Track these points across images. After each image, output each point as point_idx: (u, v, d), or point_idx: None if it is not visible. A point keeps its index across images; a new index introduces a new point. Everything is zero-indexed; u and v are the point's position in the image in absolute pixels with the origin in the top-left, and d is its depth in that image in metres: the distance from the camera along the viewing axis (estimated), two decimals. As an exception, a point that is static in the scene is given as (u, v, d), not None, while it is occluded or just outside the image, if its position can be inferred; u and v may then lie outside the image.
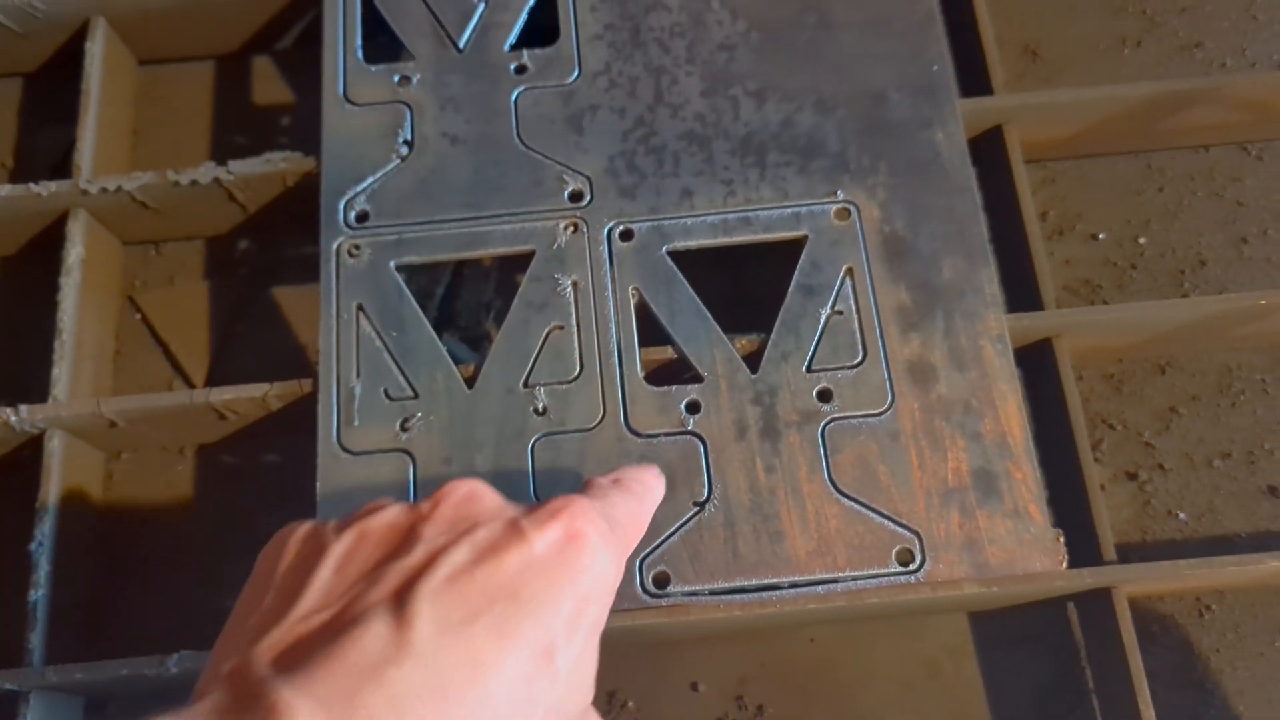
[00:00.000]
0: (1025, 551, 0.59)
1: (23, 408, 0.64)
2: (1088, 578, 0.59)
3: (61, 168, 0.79)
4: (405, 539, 0.40)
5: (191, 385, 0.73)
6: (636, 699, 0.64)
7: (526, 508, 0.42)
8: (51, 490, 0.64)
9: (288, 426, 0.68)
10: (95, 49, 0.75)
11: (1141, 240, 0.75)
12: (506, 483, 0.59)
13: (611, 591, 0.42)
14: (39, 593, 0.62)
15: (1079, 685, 0.65)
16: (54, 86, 0.82)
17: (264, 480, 0.70)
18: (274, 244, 0.77)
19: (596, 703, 0.44)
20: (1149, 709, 0.59)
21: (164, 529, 0.69)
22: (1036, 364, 0.68)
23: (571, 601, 0.39)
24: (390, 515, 0.41)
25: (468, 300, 0.73)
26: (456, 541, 0.39)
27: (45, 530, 0.63)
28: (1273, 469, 0.69)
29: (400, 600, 0.36)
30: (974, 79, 0.74)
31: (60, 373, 0.66)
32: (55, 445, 0.65)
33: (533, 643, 0.37)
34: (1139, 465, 0.69)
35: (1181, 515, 0.68)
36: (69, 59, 0.79)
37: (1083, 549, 0.62)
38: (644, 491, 0.50)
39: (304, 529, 0.42)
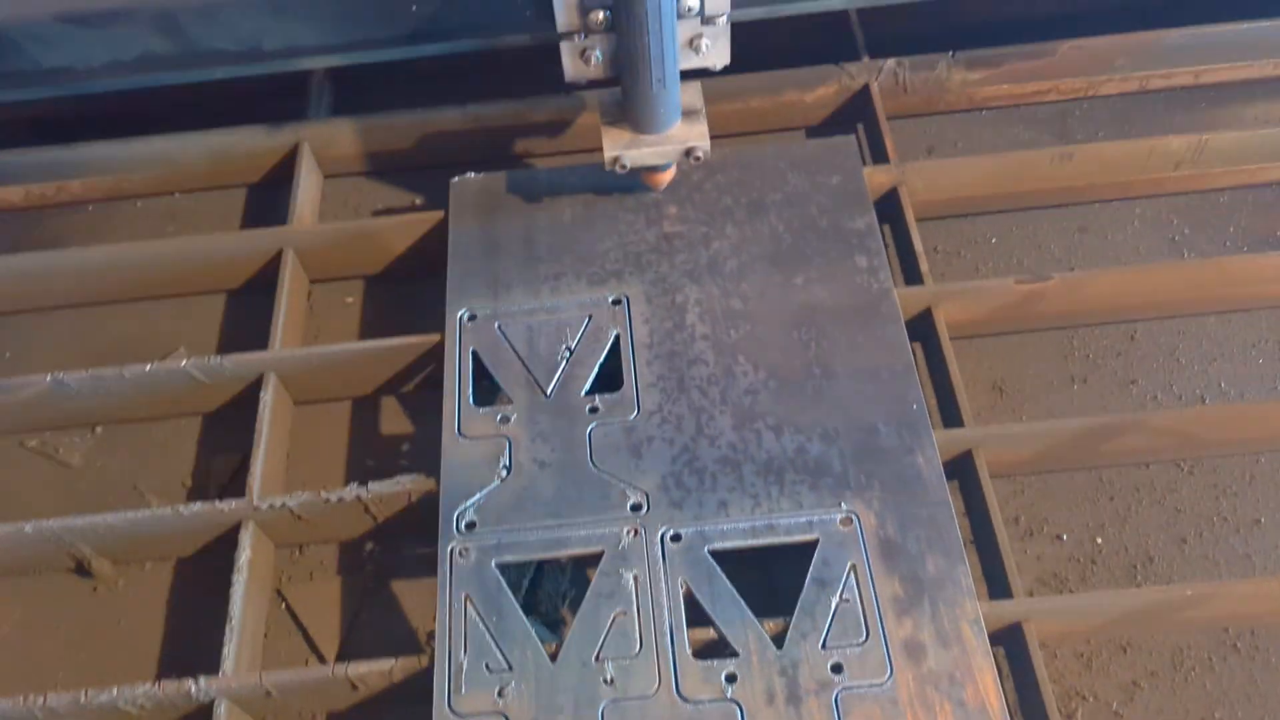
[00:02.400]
0: (1005, 799, 0.72)
1: (201, 679, 0.81)
2: (1060, 823, 0.72)
3: (229, 488, 0.99)
4: None
5: (324, 662, 0.89)
6: None
7: None
8: (217, 749, 0.80)
9: (404, 697, 0.84)
10: (266, 397, 0.98)
11: (1099, 540, 0.92)
12: (582, 740, 0.74)
13: None
14: (202, 835, 0.76)
15: None
16: (225, 424, 1.04)
17: (380, 744, 0.86)
18: (394, 548, 0.96)
19: None
20: None
21: (297, 785, 0.84)
22: (1011, 642, 0.83)
23: None
24: None
25: (548, 590, 0.91)
26: None
27: (211, 782, 0.78)
28: (1224, 735, 0.82)
29: None
30: (950, 413, 0.94)
31: (229, 651, 0.84)
32: (221, 712, 0.81)
33: None
34: (1110, 732, 0.83)
35: (1149, 776, 0.80)
36: (239, 402, 1.02)
37: (1058, 800, 0.75)
38: None
39: None
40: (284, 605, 0.94)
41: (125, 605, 0.94)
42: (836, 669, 0.78)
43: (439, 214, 1.08)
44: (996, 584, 0.86)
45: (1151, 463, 0.95)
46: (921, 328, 1.00)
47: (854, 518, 0.84)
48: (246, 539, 0.90)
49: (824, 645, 0.79)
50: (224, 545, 0.92)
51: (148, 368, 0.99)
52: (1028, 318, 1.01)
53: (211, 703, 0.82)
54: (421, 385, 1.04)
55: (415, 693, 0.82)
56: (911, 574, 0.82)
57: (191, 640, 0.92)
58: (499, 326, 0.98)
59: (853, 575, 0.82)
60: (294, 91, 1.24)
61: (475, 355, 0.96)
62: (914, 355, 0.94)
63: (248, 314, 1.12)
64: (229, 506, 0.90)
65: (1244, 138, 1.06)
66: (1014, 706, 0.82)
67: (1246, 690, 0.83)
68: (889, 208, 1.08)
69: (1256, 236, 1.07)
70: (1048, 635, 0.84)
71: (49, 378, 0.98)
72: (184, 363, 0.98)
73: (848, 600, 0.81)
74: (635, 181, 1.04)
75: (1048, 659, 0.85)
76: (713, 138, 1.03)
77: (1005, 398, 1.00)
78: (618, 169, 0.97)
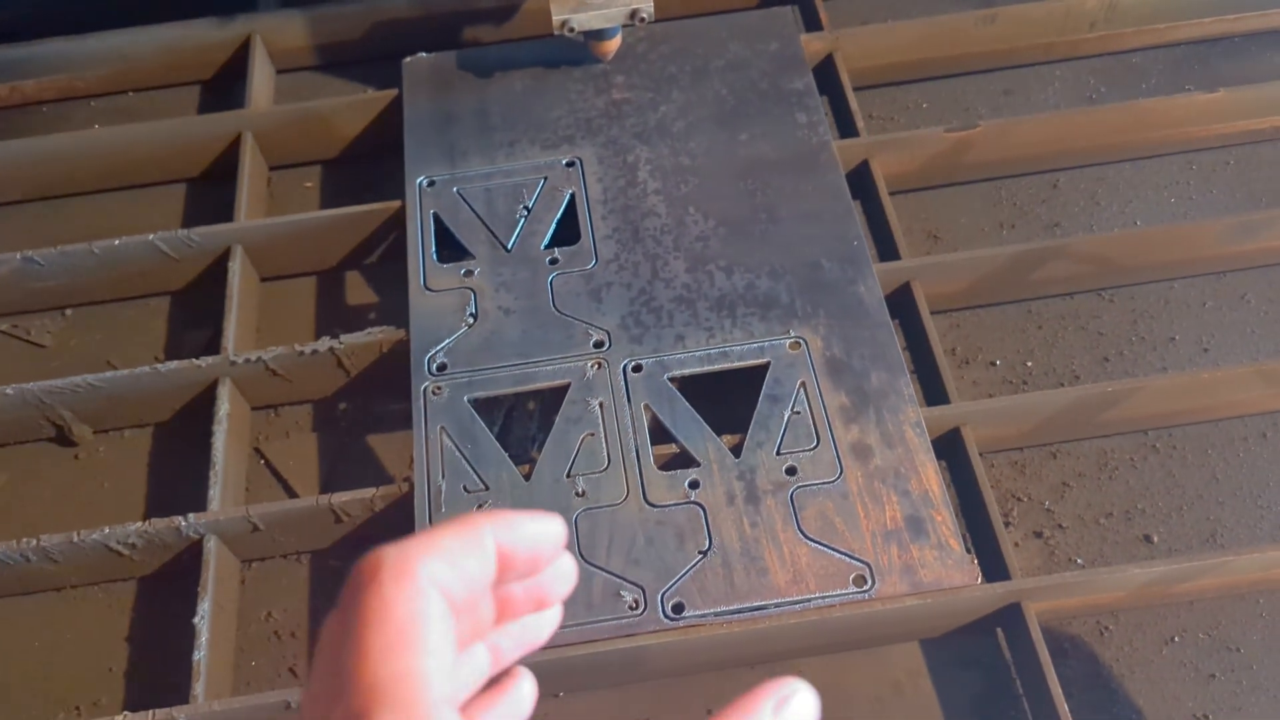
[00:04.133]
0: (949, 571, 0.79)
1: (190, 515, 0.85)
2: (999, 589, 0.79)
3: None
4: None
5: (306, 508, 0.93)
6: (664, 723, 0.82)
7: None
8: (209, 580, 0.83)
9: (385, 532, 0.88)
10: (235, 266, 1.01)
11: (1029, 364, 0.99)
12: (558, 543, 0.79)
13: None
14: (200, 654, 0.80)
15: (1012, 693, 0.82)
16: (193, 301, 1.07)
17: (364, 576, 0.90)
18: (367, 404, 1.00)
19: None
20: (1063, 704, 0.76)
21: (290, 614, 0.88)
22: (952, 453, 0.90)
23: None
24: None
25: (517, 435, 0.96)
26: None
27: (205, 607, 0.82)
28: (1146, 523, 0.89)
29: None
30: (890, 256, 1.00)
31: (214, 494, 0.88)
32: (211, 546, 0.85)
33: None
34: (1043, 526, 0.90)
35: (1079, 561, 0.88)
36: (206, 280, 1.05)
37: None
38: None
39: None
40: (263, 461, 0.98)
41: (108, 468, 0.98)
42: (791, 471, 0.84)
43: (393, 92, 1.11)
44: (937, 404, 0.92)
45: (1076, 293, 1.02)
46: (860, 182, 1.05)
47: (802, 342, 0.90)
48: (224, 394, 0.93)
49: (778, 452, 0.85)
50: (201, 408, 0.96)
51: (116, 242, 1.01)
52: (958, 168, 1.07)
53: (201, 539, 0.86)
54: (384, 257, 1.08)
55: (396, 525, 0.87)
56: (857, 387, 0.88)
57: (175, 496, 0.95)
58: (458, 190, 1.02)
59: (803, 391, 0.88)
60: (242, -11, 1.26)
61: (436, 217, 1.00)
62: (854, 208, 1.00)
63: (209, 202, 1.14)
64: (205, 363, 0.94)
65: (1152, -2, 1.13)
66: (957, 510, 0.89)
67: (1165, 484, 0.91)
68: (826, 78, 1.13)
69: (1166, 93, 1.14)
70: (984, 440, 0.90)
71: (19, 255, 1.01)
72: (151, 236, 1.01)
73: (799, 412, 0.87)
74: (584, 54, 1.08)
75: (986, 468, 0.91)
76: (660, 19, 1.08)
77: (940, 243, 1.07)
78: (566, 32, 1.01)
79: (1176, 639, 0.84)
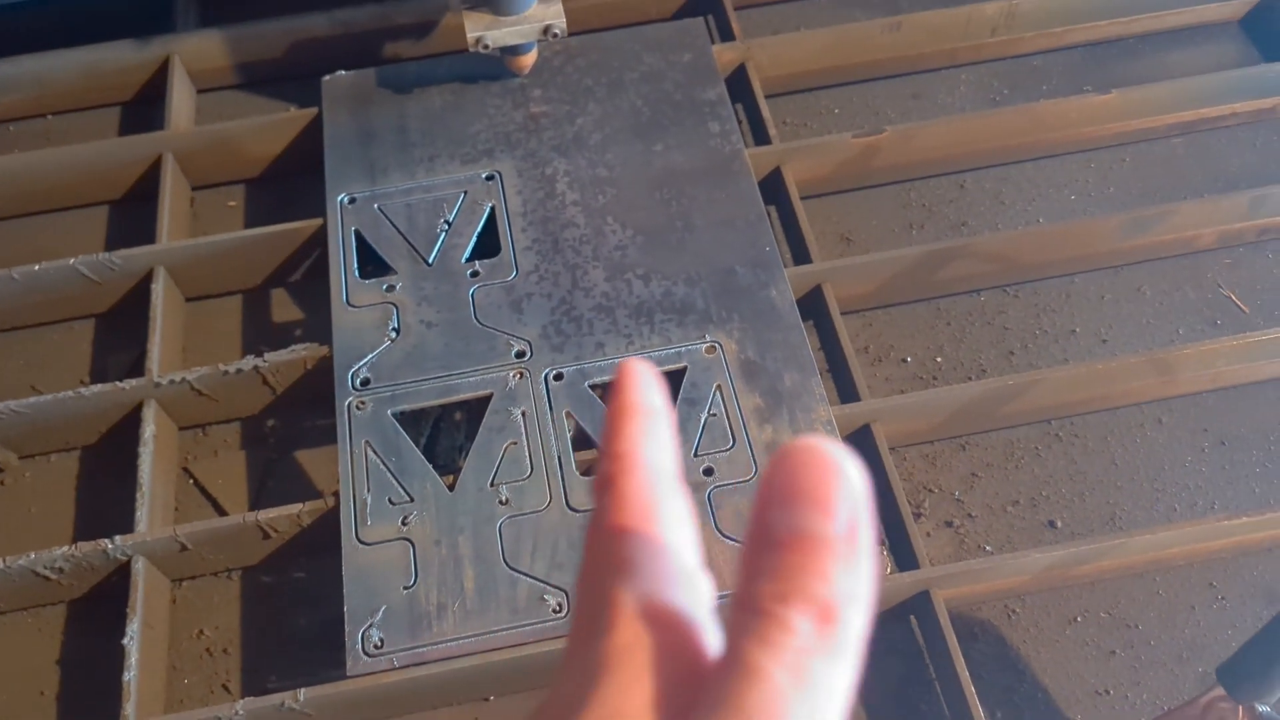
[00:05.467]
0: (859, 563, 0.82)
1: (117, 537, 0.86)
2: (907, 579, 0.82)
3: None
4: None
5: (236, 525, 0.94)
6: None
7: None
8: (138, 601, 0.84)
9: (314, 546, 0.90)
10: (158, 288, 1.02)
11: (939, 359, 1.02)
12: (483, 555, 0.82)
13: None
14: (131, 674, 0.81)
15: (926, 679, 0.85)
16: (118, 324, 1.08)
17: (294, 591, 0.91)
18: (294, 421, 1.01)
19: None
20: (970, 687, 0.80)
21: (222, 631, 0.89)
22: (864, 448, 0.93)
23: None
24: None
25: (445, 445, 0.98)
26: None
27: (134, 628, 0.83)
28: (1049, 509, 0.93)
29: None
30: (803, 260, 1.04)
31: (141, 515, 0.88)
32: (139, 567, 0.86)
33: None
34: (953, 516, 0.93)
35: (988, 548, 0.91)
36: (130, 302, 1.06)
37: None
38: None
39: None
40: (192, 481, 0.98)
41: (35, 493, 0.98)
42: (708, 472, 0.86)
43: (313, 111, 1.13)
44: (850, 402, 0.96)
45: (982, 290, 1.06)
46: (773, 189, 1.08)
47: (717, 346, 0.93)
48: (149, 415, 0.94)
49: (696, 453, 0.87)
50: (128, 430, 0.96)
51: (36, 267, 1.01)
52: (868, 172, 1.11)
53: (129, 560, 0.87)
54: (308, 274, 1.09)
55: (324, 540, 0.88)
56: (770, 388, 0.91)
57: (103, 519, 0.95)
58: (378, 207, 1.03)
59: (718, 394, 0.90)
60: (161, 10, 1.26)
61: (357, 234, 1.02)
62: (768, 215, 1.03)
63: (131, 224, 1.14)
64: (129, 385, 0.94)
65: (1049, 2, 1.17)
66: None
67: (1068, 471, 0.95)
68: (739, 86, 1.16)
69: (1065, 94, 1.18)
70: (896, 435, 0.94)
71: (-63, 283, 1.01)
72: (72, 260, 1.02)
73: (715, 415, 0.89)
74: (500, 68, 1.10)
75: (897, 462, 0.95)
76: (575, 33, 1.10)
77: (852, 245, 1.10)
78: (481, 49, 1.03)
79: (1079, 619, 0.88)
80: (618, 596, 0.25)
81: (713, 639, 0.25)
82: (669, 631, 0.24)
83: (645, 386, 0.29)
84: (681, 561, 0.26)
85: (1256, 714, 0.71)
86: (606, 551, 0.26)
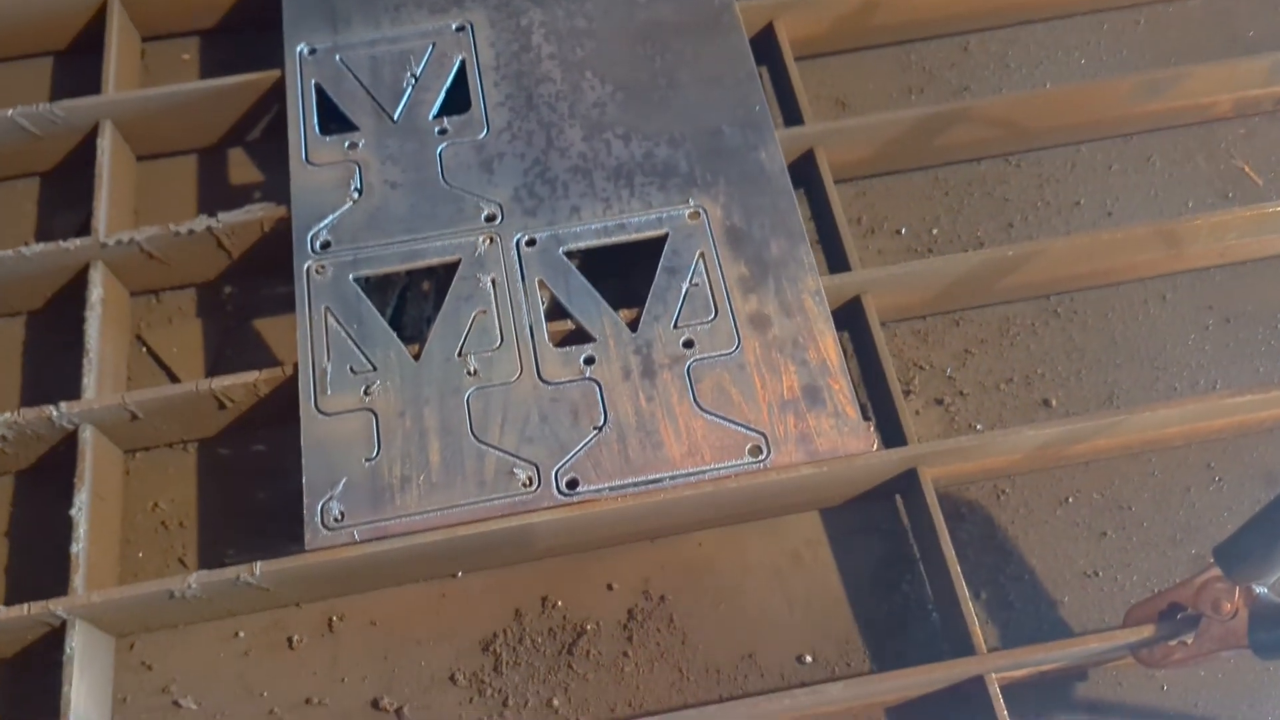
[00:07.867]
0: (845, 439, 0.78)
1: (62, 404, 0.81)
2: (894, 456, 0.78)
3: (76, 241, 0.97)
4: None
5: (191, 395, 0.90)
6: (564, 599, 0.81)
7: None
8: (86, 470, 0.80)
9: (271, 418, 0.85)
10: (104, 144, 0.95)
11: (934, 231, 0.97)
12: (450, 427, 0.77)
13: None
14: (79, 546, 0.77)
15: (909, 557, 0.83)
16: (64, 183, 1.01)
17: (253, 464, 0.87)
18: (252, 288, 0.96)
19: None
20: (956, 566, 0.77)
21: (178, 504, 0.86)
22: (853, 322, 0.88)
23: None
24: None
25: (411, 315, 0.92)
26: None
27: (83, 498, 0.79)
28: (1044, 388, 0.89)
29: None
30: (794, 120, 0.97)
31: (89, 381, 0.83)
32: (87, 436, 0.81)
33: None
34: (944, 393, 0.89)
35: (979, 426, 0.88)
36: (77, 160, 0.99)
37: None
38: None
39: None
40: (145, 349, 0.93)
41: (-22, 360, 0.93)
42: (688, 344, 0.82)
43: (270, -46, 1.04)
44: (840, 271, 0.91)
45: (983, 158, 1.00)
46: (765, 47, 1.01)
47: (701, 211, 0.87)
48: (97, 278, 0.89)
49: (675, 325, 0.82)
50: (75, 294, 0.91)
51: (-29, 119, 0.94)
52: (866, 31, 1.03)
53: (75, 429, 0.82)
54: (267, 133, 1.02)
55: (284, 411, 0.83)
56: (756, 256, 0.85)
57: (51, 387, 0.91)
58: (340, 59, 0.96)
59: (701, 261, 0.85)
60: None
61: (318, 88, 0.95)
62: (759, 76, 0.96)
63: (77, 78, 1.07)
64: (74, 245, 0.88)
65: None
66: (858, 382, 0.88)
67: (1065, 348, 0.91)
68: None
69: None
70: (887, 309, 0.89)
71: None
72: (11, 111, 0.94)
73: (697, 284, 0.84)
74: (471, -91, 1.02)
75: (888, 338, 0.90)
76: None
77: (848, 110, 1.03)
78: (449, -117, 0.94)
79: (1071, 500, 0.84)
80: None
81: None
82: None
83: None
84: None
85: (1253, 595, 0.68)
86: None
